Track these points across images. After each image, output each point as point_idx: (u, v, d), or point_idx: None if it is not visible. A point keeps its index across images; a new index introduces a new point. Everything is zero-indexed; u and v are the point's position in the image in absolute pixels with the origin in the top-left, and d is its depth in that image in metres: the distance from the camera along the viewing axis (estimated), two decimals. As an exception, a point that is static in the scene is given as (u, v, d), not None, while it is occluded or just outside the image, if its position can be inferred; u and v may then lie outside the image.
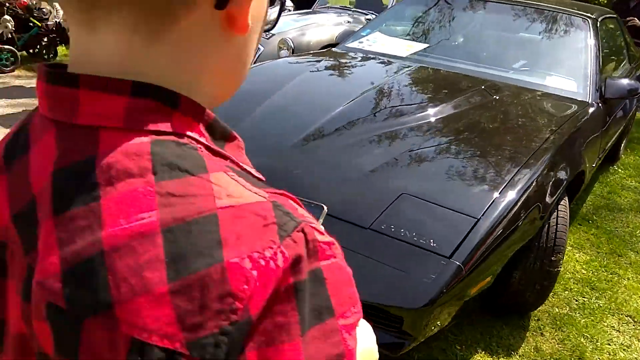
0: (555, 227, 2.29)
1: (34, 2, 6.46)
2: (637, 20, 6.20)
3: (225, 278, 0.33)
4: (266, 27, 0.48)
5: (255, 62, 5.34)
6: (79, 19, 0.38)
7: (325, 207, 1.86)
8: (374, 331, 0.57)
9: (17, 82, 6.06)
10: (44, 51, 6.84)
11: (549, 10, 3.67)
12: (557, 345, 2.39)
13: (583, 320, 2.58)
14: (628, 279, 2.98)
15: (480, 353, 2.28)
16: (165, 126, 0.38)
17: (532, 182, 2.08)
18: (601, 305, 2.72)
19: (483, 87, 3.00)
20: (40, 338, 0.36)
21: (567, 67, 3.38)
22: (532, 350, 2.34)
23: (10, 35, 6.24)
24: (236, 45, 0.42)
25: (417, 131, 2.42)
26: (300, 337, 0.35)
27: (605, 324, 2.59)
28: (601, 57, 3.37)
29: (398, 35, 3.87)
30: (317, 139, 2.33)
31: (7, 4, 6.18)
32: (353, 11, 6.47)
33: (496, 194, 1.98)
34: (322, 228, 0.39)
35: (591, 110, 2.97)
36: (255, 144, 2.27)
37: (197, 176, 0.36)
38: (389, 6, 5.98)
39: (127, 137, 0.37)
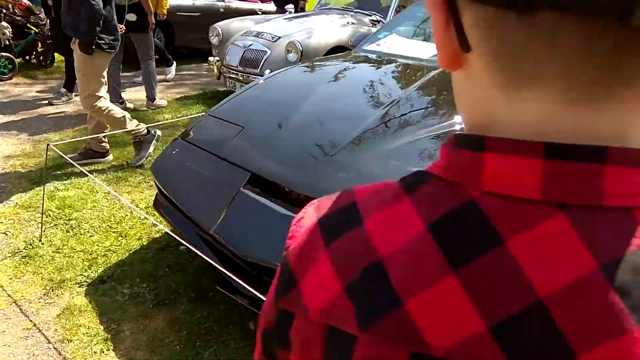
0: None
1: (34, 5, 6.33)
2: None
3: None
4: None
5: (262, 65, 5.27)
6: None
7: None
8: None
9: (16, 90, 5.93)
10: (41, 58, 6.72)
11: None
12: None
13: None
14: None
15: None
16: None
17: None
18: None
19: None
20: None
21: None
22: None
23: (7, 42, 6.10)
24: None
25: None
26: None
27: None
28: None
29: (414, 37, 3.83)
30: (356, 145, 2.28)
31: (4, 11, 6.04)
32: (355, 12, 6.36)
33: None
34: None
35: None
36: (296, 152, 2.27)
37: None
38: (390, 7, 5.94)
39: None
